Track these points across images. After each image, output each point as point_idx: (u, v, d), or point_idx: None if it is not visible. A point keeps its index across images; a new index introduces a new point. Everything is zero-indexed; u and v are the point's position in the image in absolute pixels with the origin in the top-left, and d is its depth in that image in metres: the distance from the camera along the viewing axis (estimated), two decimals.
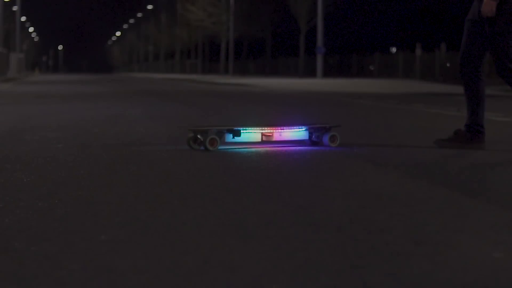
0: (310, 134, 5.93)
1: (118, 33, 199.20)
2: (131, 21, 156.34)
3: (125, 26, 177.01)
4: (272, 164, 4.70)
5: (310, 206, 3.24)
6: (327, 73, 53.32)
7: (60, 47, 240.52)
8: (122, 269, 2.19)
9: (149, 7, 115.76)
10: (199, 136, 5.53)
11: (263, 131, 5.72)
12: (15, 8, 65.55)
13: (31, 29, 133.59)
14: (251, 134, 5.68)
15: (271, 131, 5.74)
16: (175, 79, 48.52)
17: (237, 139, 5.62)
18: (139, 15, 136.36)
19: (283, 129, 5.79)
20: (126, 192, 3.57)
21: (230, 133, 5.61)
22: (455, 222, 2.92)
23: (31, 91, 20.85)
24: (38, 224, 2.82)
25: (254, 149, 5.62)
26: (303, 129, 5.87)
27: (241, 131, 5.62)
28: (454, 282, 2.09)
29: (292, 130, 5.83)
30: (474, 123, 5.80)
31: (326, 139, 5.86)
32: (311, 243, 2.53)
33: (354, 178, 4.09)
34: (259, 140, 5.72)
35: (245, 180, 4.00)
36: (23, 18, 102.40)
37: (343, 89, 24.48)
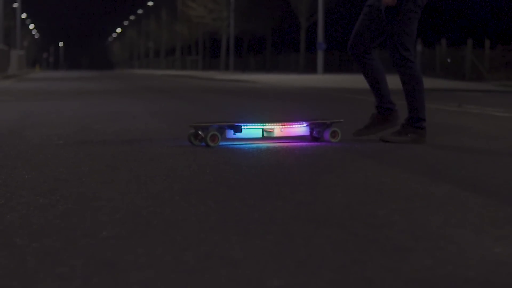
0: (311, 129, 5.93)
1: (118, 30, 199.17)
2: (132, 17, 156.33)
3: (125, 22, 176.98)
4: (273, 160, 4.70)
5: (311, 202, 3.24)
6: (327, 69, 53.31)
7: (60, 44, 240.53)
8: (124, 265, 2.19)
9: (150, 3, 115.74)
10: (200, 132, 5.53)
11: (264, 127, 5.72)
12: (15, 5, 65.56)
13: (31, 26, 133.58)
14: (252, 130, 5.68)
15: (272, 127, 5.74)
16: (176, 75, 48.54)
17: (238, 135, 5.62)
18: (140, 11, 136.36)
19: (284, 125, 5.79)
20: (127, 189, 3.57)
21: (231, 129, 5.61)
22: (456, 217, 2.92)
23: (32, 88, 20.86)
24: (39, 221, 2.82)
25: (255, 145, 5.62)
26: (304, 124, 5.87)
27: (242, 127, 5.62)
28: (455, 277, 2.09)
29: (293, 126, 5.83)
30: (383, 101, 5.94)
31: (327, 134, 5.87)
32: (312, 239, 2.54)
33: (355, 174, 4.09)
34: (260, 136, 5.72)
35: (246, 176, 4.00)
36: (24, 15, 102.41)
37: (343, 85, 24.49)
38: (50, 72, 74.03)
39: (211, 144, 5.44)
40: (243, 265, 2.20)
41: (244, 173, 4.10)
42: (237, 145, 5.57)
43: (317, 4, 44.94)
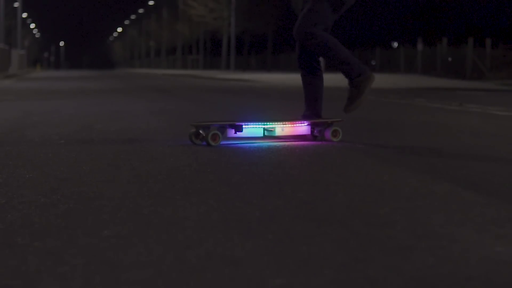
0: (312, 129, 5.93)
1: (119, 29, 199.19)
2: (133, 17, 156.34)
3: (126, 22, 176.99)
4: (274, 159, 4.70)
5: (313, 200, 3.24)
6: (328, 68, 53.27)
7: (61, 44, 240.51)
8: (125, 264, 2.19)
9: (151, 2, 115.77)
10: (201, 131, 5.53)
11: (265, 126, 5.72)
12: (16, 4, 65.53)
13: (32, 26, 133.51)
14: (253, 129, 5.69)
15: (273, 126, 5.75)
16: (177, 74, 48.53)
17: (239, 134, 5.63)
18: (141, 10, 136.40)
19: (285, 124, 5.80)
20: (128, 188, 3.57)
21: (232, 128, 5.61)
22: (458, 216, 2.92)
23: (33, 87, 20.86)
24: (41, 220, 2.82)
25: (256, 144, 5.62)
26: (305, 124, 5.88)
27: (243, 126, 5.63)
28: (457, 275, 2.09)
29: (294, 125, 5.83)
30: (309, 111, 5.99)
31: (328, 133, 5.87)
32: (313, 238, 2.54)
33: (356, 173, 4.09)
34: (261, 135, 5.72)
35: (247, 175, 4.00)
36: (25, 15, 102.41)
37: (344, 84, 24.47)
38: (51, 72, 74.02)
39: (212, 143, 5.44)
40: (245, 264, 2.20)
41: (245, 172, 4.09)
42: (238, 144, 5.57)
43: None
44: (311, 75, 6.05)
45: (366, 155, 4.96)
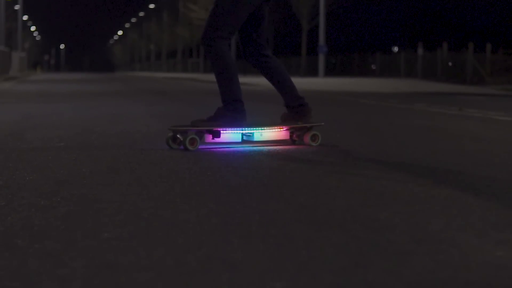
0: (291, 133, 5.87)
1: (120, 32, 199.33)
2: (133, 20, 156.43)
3: (127, 25, 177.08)
4: (274, 163, 4.70)
5: (313, 204, 3.24)
6: (328, 72, 53.33)
7: (62, 46, 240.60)
8: (125, 267, 2.19)
9: (151, 6, 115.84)
10: (178, 136, 5.48)
11: (243, 131, 5.66)
12: (17, 7, 65.58)
13: (33, 28, 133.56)
14: (231, 135, 5.62)
15: (251, 131, 5.67)
16: (177, 78, 48.52)
17: (216, 139, 5.56)
18: (141, 14, 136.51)
19: (263, 129, 5.71)
20: (128, 191, 3.57)
21: (210, 133, 5.54)
22: (458, 221, 2.92)
23: (33, 89, 20.86)
24: (41, 222, 2.82)
25: (256, 148, 5.61)
26: (284, 129, 5.79)
27: (221, 131, 5.56)
28: (457, 280, 2.09)
29: (273, 130, 5.76)
30: (292, 99, 5.88)
31: (307, 138, 5.80)
32: (313, 242, 2.54)
33: (356, 177, 4.09)
34: (240, 140, 5.66)
35: (247, 178, 4.00)
36: (25, 17, 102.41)
37: (344, 88, 24.48)
38: (51, 74, 74.03)
39: (190, 147, 5.38)
40: (244, 267, 2.20)
41: (245, 176, 4.09)
42: (238, 148, 5.57)
43: (319, 7, 44.98)
44: (267, 67, 5.92)
45: (366, 159, 4.96)
